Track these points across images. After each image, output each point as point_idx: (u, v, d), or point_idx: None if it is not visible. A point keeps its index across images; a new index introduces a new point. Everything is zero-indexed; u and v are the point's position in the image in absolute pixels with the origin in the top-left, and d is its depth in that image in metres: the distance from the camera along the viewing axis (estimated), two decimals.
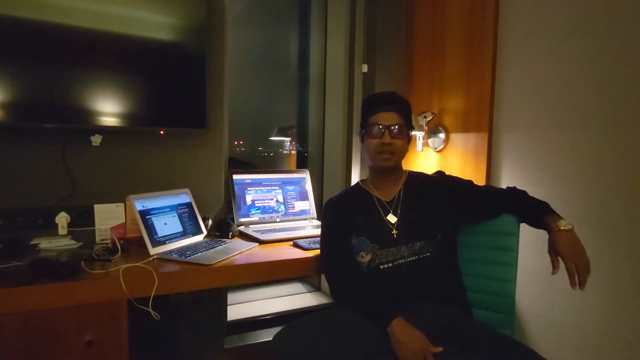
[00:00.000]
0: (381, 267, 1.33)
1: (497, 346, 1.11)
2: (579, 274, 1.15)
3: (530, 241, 1.60)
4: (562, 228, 1.19)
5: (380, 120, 1.37)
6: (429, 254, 1.33)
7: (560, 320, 1.61)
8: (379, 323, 1.19)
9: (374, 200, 1.43)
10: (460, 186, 1.44)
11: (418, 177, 1.49)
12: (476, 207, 1.41)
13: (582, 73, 1.54)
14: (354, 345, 1.15)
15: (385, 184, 1.45)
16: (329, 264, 1.41)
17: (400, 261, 1.33)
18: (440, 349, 1.11)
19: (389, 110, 1.38)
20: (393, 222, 1.38)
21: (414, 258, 1.33)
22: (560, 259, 1.19)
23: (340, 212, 1.44)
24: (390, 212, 1.40)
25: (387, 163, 1.39)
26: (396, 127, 1.36)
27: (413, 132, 2.14)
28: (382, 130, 1.36)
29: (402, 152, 1.41)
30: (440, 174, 1.55)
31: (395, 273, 1.32)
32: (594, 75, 1.50)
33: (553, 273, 1.19)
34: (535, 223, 1.30)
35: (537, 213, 1.29)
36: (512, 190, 1.40)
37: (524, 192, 1.38)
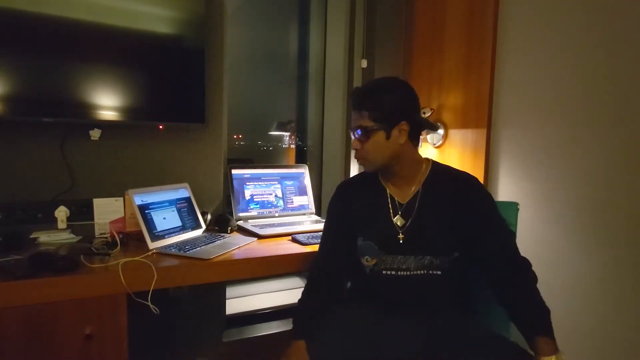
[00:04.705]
0: (384, 272, 1.23)
1: (493, 347, 1.11)
2: None
3: (527, 237, 1.61)
4: None
5: (352, 122, 1.24)
6: (439, 272, 1.19)
7: (556, 318, 1.62)
8: (293, 330, 1.22)
9: (387, 198, 1.26)
10: (487, 211, 1.21)
11: (443, 175, 1.26)
12: (480, 246, 1.19)
13: (580, 70, 1.54)
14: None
15: (397, 183, 1.27)
16: (315, 265, 1.36)
17: (405, 273, 1.20)
18: None
19: (355, 110, 1.22)
20: (400, 225, 1.23)
21: (421, 272, 1.19)
22: None
23: (348, 203, 1.31)
24: (399, 214, 1.24)
25: (364, 169, 1.28)
26: (358, 130, 1.20)
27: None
28: (352, 132, 1.23)
29: (378, 153, 1.20)
30: (474, 181, 1.27)
31: (397, 283, 1.22)
32: (592, 73, 1.50)
33: None
34: (525, 333, 1.10)
35: (532, 325, 1.09)
36: (523, 267, 1.16)
37: (532, 282, 1.15)
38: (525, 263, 1.18)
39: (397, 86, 1.24)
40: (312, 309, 1.26)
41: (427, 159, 1.29)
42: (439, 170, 1.27)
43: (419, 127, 1.25)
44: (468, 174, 1.27)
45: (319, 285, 1.30)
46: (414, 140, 1.25)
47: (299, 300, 1.30)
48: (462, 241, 1.19)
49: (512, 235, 1.22)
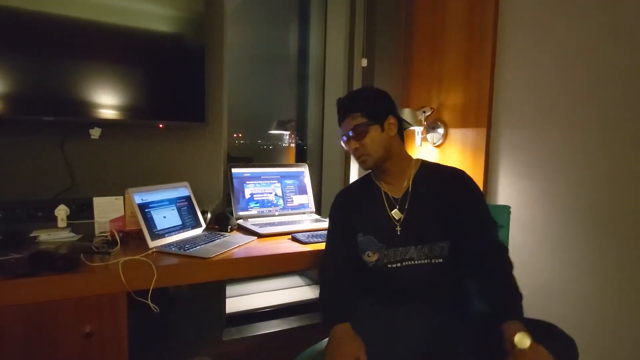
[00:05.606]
0: (389, 266, 1.29)
1: (491, 341, 1.13)
2: None
3: (522, 232, 1.61)
4: (519, 347, 0.99)
5: (342, 128, 1.37)
6: (441, 259, 1.26)
7: (555, 319, 1.62)
8: (327, 319, 1.20)
9: (382, 195, 1.36)
10: (473, 200, 1.29)
11: (432, 170, 1.37)
12: (464, 233, 1.25)
13: (581, 70, 1.54)
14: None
15: (389, 180, 1.37)
16: (323, 263, 1.39)
17: (409, 262, 1.27)
18: None
19: (345, 117, 1.35)
20: (397, 218, 1.31)
21: (425, 262, 1.26)
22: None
23: (347, 207, 1.40)
24: (395, 208, 1.32)
25: (364, 165, 1.35)
26: (350, 132, 1.32)
27: (412, 128, 2.15)
28: (345, 138, 1.35)
29: (376, 146, 1.30)
30: (461, 172, 1.36)
31: (404, 273, 1.27)
32: (593, 72, 1.50)
33: None
34: (497, 319, 1.10)
35: (504, 310, 1.11)
36: (500, 252, 1.23)
37: (507, 267, 1.20)
38: (502, 248, 1.25)
39: (377, 90, 1.40)
40: (341, 295, 1.27)
41: (416, 159, 1.40)
42: (427, 167, 1.39)
43: (401, 124, 1.38)
44: (455, 167, 1.37)
45: (334, 281, 1.32)
46: (401, 137, 1.38)
47: (324, 295, 1.30)
48: (454, 228, 1.26)
49: (495, 223, 1.30)
